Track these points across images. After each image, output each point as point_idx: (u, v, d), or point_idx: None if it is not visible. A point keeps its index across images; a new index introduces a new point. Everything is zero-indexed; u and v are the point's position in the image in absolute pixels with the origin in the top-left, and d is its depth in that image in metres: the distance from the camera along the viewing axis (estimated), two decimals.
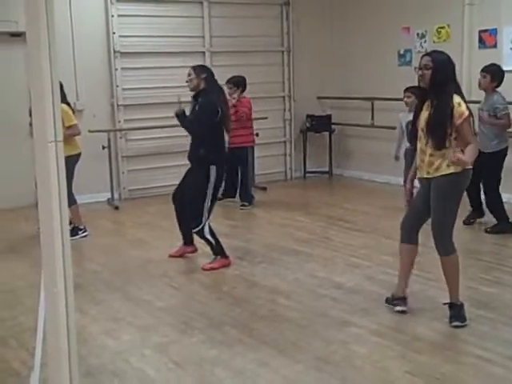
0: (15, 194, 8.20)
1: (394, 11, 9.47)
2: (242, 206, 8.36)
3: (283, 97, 10.41)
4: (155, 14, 9.07)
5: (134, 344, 4.28)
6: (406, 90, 7.13)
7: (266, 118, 9.69)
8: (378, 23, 9.68)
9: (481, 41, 8.35)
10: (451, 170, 4.33)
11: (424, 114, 4.42)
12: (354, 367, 3.85)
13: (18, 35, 8.09)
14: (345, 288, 5.23)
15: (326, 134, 10.47)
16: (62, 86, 6.76)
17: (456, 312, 4.44)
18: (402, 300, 4.70)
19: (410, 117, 4.89)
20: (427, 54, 4.54)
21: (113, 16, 8.79)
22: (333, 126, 10.41)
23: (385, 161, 9.17)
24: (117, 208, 8.52)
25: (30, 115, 6.51)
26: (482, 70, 6.80)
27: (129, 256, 6.33)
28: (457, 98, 4.32)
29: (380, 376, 3.74)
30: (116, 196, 8.95)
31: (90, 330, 4.47)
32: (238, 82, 8.28)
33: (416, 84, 4.77)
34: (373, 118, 9.74)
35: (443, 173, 4.35)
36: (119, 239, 7.09)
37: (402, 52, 9.42)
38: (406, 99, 7.12)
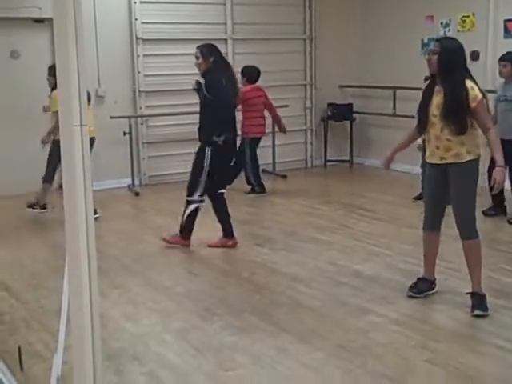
0: (38, 178, 8.26)
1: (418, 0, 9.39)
2: (247, 193, 8.37)
3: (305, 85, 10.37)
4: (177, 1, 9.06)
5: (154, 329, 4.32)
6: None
7: (287, 106, 9.67)
8: (402, 12, 9.60)
9: (506, 30, 8.25)
10: (472, 156, 4.37)
11: (436, 100, 4.41)
12: (373, 355, 3.85)
13: (41, 21, 8.14)
14: (364, 276, 5.22)
15: (347, 122, 10.42)
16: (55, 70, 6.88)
17: (478, 301, 4.42)
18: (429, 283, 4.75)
19: None
20: (436, 40, 4.53)
21: (135, 2, 8.80)
22: (354, 115, 10.36)
23: (406, 150, 9.12)
24: (137, 194, 8.56)
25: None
26: (502, 59, 6.76)
27: (149, 242, 6.36)
28: (469, 83, 4.34)
29: (400, 364, 3.74)
30: (136, 182, 8.99)
31: (110, 314, 4.51)
32: (243, 72, 8.28)
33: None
34: (394, 107, 9.68)
35: (465, 159, 4.37)
36: (139, 225, 7.13)
37: (425, 41, 9.33)
38: None
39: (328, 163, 10.55)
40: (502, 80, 6.89)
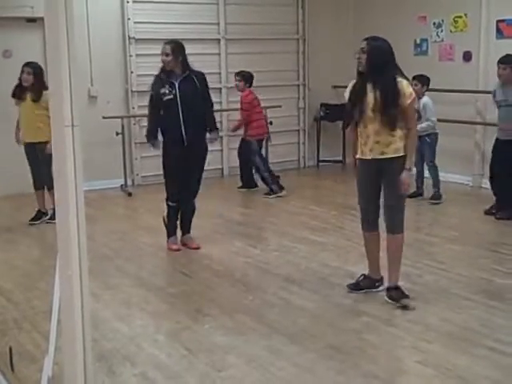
0: (30, 179, 8.23)
1: (410, 0, 9.40)
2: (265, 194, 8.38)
3: (298, 85, 10.38)
4: (170, 1, 9.06)
5: (147, 329, 4.30)
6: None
7: (280, 106, 9.67)
8: (395, 12, 9.60)
9: (498, 31, 8.27)
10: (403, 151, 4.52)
11: (370, 96, 4.48)
12: (366, 356, 3.85)
13: (33, 20, 8.11)
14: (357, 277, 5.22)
15: (340, 122, 10.39)
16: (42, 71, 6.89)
17: (399, 294, 4.60)
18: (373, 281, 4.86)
19: None
20: (365, 39, 4.63)
21: (128, 2, 8.79)
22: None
23: None
24: (130, 194, 8.54)
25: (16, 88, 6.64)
26: (502, 62, 6.69)
27: (141, 242, 6.35)
28: (402, 80, 4.46)
29: (392, 365, 3.75)
30: (129, 182, 8.98)
31: (102, 315, 4.49)
32: (245, 77, 8.32)
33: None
34: None
35: (402, 154, 4.50)
36: (132, 225, 7.12)
37: (418, 41, 9.35)
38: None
39: (321, 163, 10.56)
40: (499, 83, 6.83)
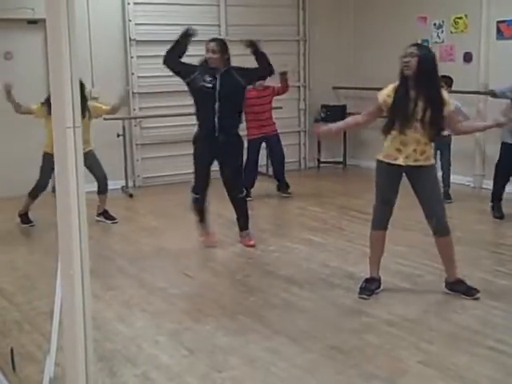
0: (30, 180, 8.24)
1: (410, 1, 9.41)
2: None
3: (298, 86, 10.38)
4: (171, 2, 9.06)
5: (148, 330, 4.31)
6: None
7: (280, 107, 9.67)
8: (395, 13, 9.61)
9: (499, 31, 8.28)
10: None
11: (418, 105, 4.49)
12: (366, 356, 3.86)
13: (34, 22, 8.13)
14: (358, 278, 5.21)
15: None
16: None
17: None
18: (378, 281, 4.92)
19: None
20: (413, 45, 4.69)
21: (129, 4, 8.80)
22: (347, 116, 10.35)
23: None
24: (131, 196, 8.55)
25: (46, 103, 6.59)
26: None
27: (142, 243, 6.36)
28: (445, 94, 4.61)
29: (393, 365, 3.75)
30: (130, 184, 8.98)
31: (103, 315, 4.50)
32: None
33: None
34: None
35: (431, 162, 4.70)
36: (133, 227, 7.12)
37: (418, 42, 9.33)
38: None
39: (321, 165, 10.56)
40: None
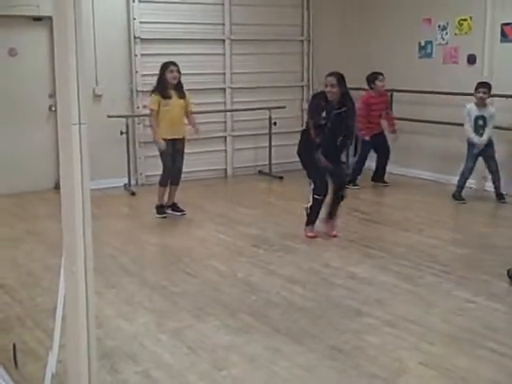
0: (34, 177, 8.27)
1: (415, 2, 9.40)
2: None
3: (302, 86, 10.38)
4: (176, 1, 9.07)
5: (150, 328, 4.32)
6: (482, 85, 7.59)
7: (284, 107, 9.69)
8: (399, 14, 9.61)
9: (503, 34, 8.28)
10: None
11: None
12: (367, 357, 3.86)
13: (39, 19, 8.14)
14: (359, 278, 5.24)
15: None
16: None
17: None
18: None
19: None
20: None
21: (134, 2, 8.80)
22: None
23: (402, 152, 9.15)
24: (133, 194, 8.56)
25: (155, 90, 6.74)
26: None
27: (145, 241, 6.37)
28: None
29: (393, 366, 3.76)
30: (133, 182, 8.99)
31: (105, 313, 4.51)
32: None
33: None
34: (391, 109, 9.69)
35: None
36: (135, 224, 7.13)
37: (422, 44, 9.36)
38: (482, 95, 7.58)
39: None
40: None
